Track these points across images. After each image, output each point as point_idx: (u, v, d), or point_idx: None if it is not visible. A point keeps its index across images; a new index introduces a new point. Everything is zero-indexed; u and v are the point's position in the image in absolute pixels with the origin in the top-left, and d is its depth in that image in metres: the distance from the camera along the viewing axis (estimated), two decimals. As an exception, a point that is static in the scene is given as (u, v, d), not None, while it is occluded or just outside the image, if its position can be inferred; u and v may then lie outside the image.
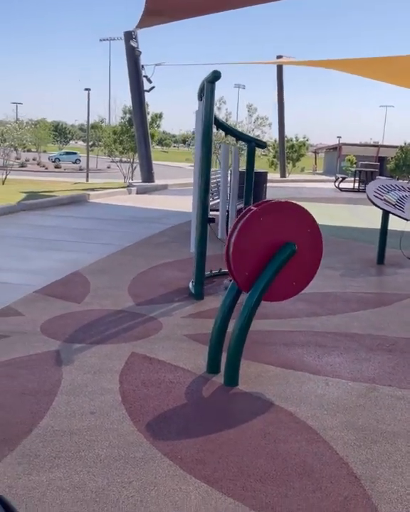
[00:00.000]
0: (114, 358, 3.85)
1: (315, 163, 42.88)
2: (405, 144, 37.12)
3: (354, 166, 34.03)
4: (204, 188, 5.12)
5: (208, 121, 4.94)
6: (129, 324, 4.59)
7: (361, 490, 2.44)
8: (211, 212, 5.78)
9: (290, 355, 4.03)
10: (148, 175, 19.01)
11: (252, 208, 3.46)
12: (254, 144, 6.04)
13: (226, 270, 6.51)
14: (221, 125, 5.61)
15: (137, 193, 16.24)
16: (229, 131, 5.88)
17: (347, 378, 3.65)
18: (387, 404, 3.30)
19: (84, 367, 3.66)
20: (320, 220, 11.50)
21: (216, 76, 4.87)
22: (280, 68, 25.84)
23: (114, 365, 3.73)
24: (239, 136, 6.11)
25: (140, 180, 18.93)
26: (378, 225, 10.80)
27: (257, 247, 3.43)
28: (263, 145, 6.16)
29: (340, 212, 13.39)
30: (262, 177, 9.78)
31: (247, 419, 3.05)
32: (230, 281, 6.21)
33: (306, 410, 3.17)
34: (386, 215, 7.38)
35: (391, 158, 37.21)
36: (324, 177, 32.69)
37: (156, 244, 8.23)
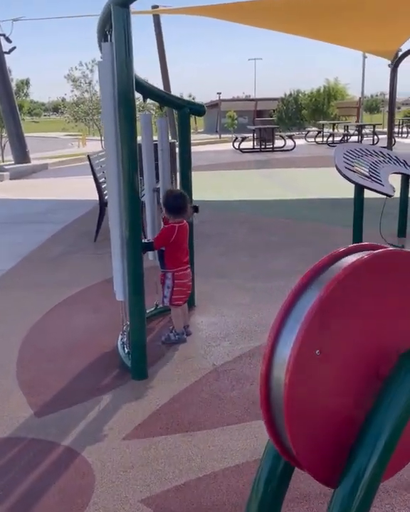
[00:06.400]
0: None
1: (195, 123, 40.56)
2: (285, 95, 35.75)
3: (236, 122, 32.25)
4: (130, 168, 2.82)
5: (125, 71, 2.66)
6: (27, 484, 2.33)
7: None
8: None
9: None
10: (22, 154, 15.93)
11: (326, 264, 1.31)
12: (188, 109, 3.81)
13: (164, 307, 4.17)
14: (141, 86, 3.34)
15: (11, 179, 13.35)
16: (152, 93, 3.61)
17: None
18: None
19: None
20: (254, 195, 9.43)
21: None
22: (157, 20, 23.10)
23: None
24: (168, 99, 3.85)
25: (12, 162, 15.83)
26: (313, 195, 9.13)
27: (341, 369, 1.31)
28: (200, 110, 3.96)
29: (262, 181, 11.46)
30: (173, 148, 7.49)
31: None
32: (178, 335, 3.72)
33: None
34: (360, 189, 5.47)
35: (274, 110, 35.75)
36: (209, 136, 30.45)
37: (49, 260, 5.82)
